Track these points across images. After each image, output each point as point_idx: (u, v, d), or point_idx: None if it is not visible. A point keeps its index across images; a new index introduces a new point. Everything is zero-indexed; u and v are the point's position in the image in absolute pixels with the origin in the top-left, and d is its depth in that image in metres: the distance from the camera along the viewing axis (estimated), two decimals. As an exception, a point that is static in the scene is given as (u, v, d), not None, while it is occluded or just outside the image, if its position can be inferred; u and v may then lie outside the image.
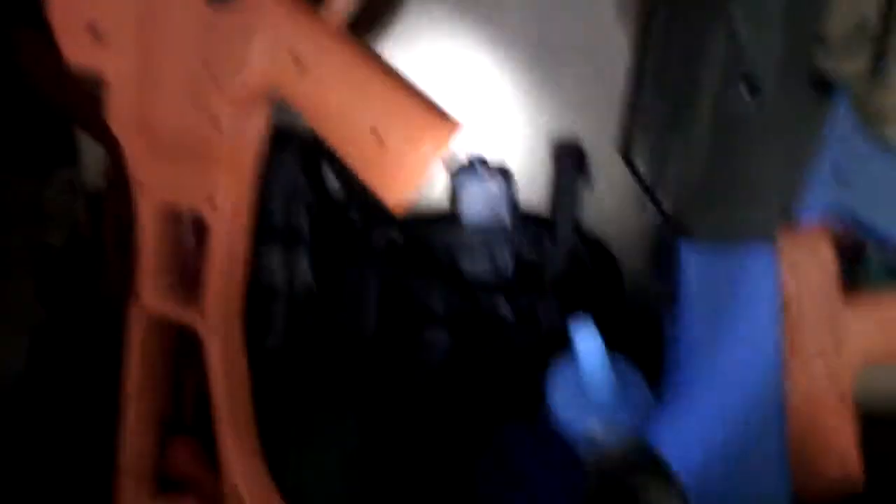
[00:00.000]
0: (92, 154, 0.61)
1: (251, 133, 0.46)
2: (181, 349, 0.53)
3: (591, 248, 0.59)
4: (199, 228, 0.49)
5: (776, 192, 0.43)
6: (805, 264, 0.51)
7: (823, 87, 0.42)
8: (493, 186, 0.56)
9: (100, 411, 0.52)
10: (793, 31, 0.40)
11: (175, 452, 0.53)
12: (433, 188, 0.59)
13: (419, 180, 0.42)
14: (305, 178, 0.56)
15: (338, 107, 0.42)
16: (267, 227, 0.55)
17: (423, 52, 0.56)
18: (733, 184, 0.42)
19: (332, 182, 0.58)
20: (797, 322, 0.51)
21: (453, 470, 0.51)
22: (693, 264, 0.42)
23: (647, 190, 0.42)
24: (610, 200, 0.58)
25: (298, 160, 0.56)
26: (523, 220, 0.57)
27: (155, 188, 0.46)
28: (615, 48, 0.49)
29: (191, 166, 0.45)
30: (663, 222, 0.43)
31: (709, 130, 0.41)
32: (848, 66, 0.44)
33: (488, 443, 0.48)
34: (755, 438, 0.44)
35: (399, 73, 0.42)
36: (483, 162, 0.57)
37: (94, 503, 0.51)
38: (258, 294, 0.55)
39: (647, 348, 0.49)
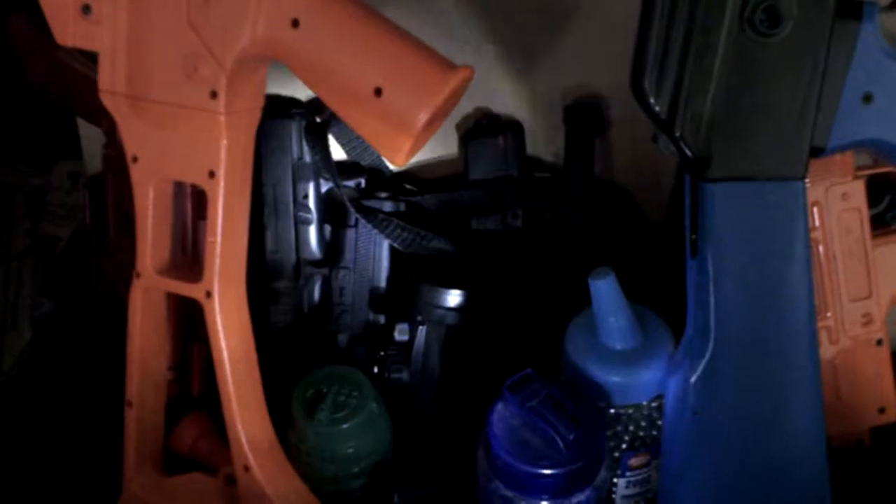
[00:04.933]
0: (93, 145, 0.60)
1: (248, 102, 0.44)
2: (188, 325, 0.53)
3: (610, 198, 0.57)
4: (200, 200, 0.48)
5: (802, 125, 0.40)
6: (834, 204, 0.48)
7: (849, 10, 0.39)
8: (503, 142, 0.54)
9: (105, 393, 0.52)
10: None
11: (183, 430, 0.52)
12: (443, 147, 0.57)
13: (425, 135, 0.40)
14: (310, 147, 0.54)
15: (337, 65, 0.40)
16: (271, 202, 0.54)
17: (428, 9, 0.54)
18: (755, 117, 0.39)
19: (336, 149, 0.56)
20: (828, 265, 0.49)
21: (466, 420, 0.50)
22: (718, 204, 0.40)
23: (663, 127, 0.40)
24: (625, 152, 0.56)
25: (301, 129, 0.54)
26: (536, 174, 0.56)
27: (150, 162, 0.45)
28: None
29: (187, 138, 0.44)
30: (681, 161, 0.41)
31: (727, 61, 0.39)
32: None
33: (500, 388, 0.46)
34: (789, 386, 0.41)
35: (398, 28, 0.40)
36: (492, 117, 0.56)
37: (102, 484, 0.51)
38: (263, 270, 0.55)
39: (668, 297, 0.47)
